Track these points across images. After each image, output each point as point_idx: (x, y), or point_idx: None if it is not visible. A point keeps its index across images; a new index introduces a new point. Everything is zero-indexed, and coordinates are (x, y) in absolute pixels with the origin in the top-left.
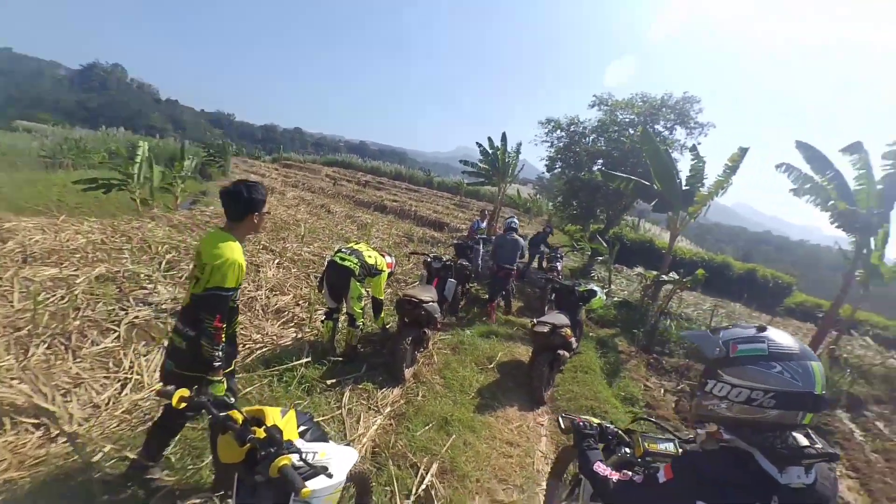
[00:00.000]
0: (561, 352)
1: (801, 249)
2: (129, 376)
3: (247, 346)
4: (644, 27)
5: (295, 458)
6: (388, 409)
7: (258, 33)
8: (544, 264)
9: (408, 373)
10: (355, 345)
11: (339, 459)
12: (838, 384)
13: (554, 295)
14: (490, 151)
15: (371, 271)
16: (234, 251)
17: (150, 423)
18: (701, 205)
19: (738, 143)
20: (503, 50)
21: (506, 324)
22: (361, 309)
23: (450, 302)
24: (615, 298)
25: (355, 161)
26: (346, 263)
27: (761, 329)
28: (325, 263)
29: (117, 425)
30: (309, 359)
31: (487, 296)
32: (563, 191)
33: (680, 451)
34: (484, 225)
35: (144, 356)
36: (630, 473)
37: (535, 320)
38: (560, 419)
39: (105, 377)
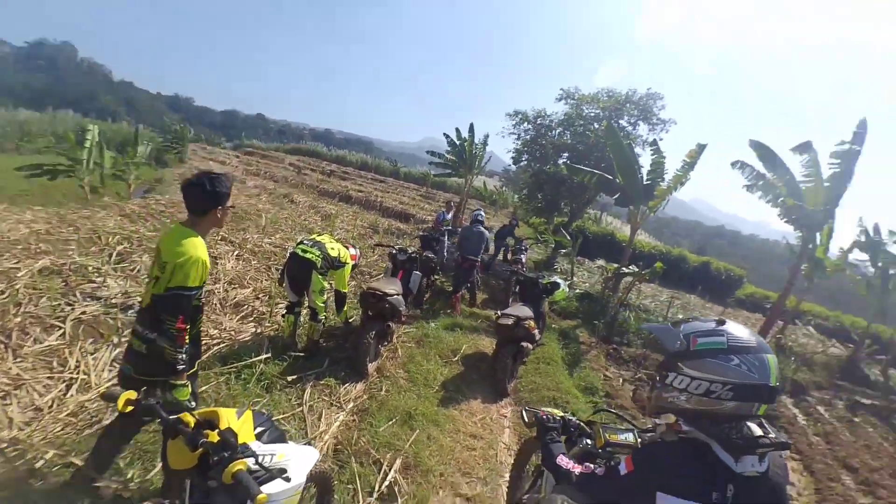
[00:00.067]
0: (524, 344)
1: (752, 244)
2: (75, 376)
3: (203, 342)
4: (619, 22)
5: (250, 462)
6: (351, 404)
7: (220, 13)
8: (509, 256)
9: (371, 367)
10: (317, 339)
11: (299, 460)
12: (783, 371)
13: (518, 287)
14: (457, 143)
15: (334, 264)
16: (196, 248)
17: (98, 428)
18: (660, 199)
19: (713, 140)
20: (473, 40)
21: (470, 316)
22: (324, 303)
23: (415, 294)
24: (577, 290)
25: (320, 150)
26: (308, 256)
27: (720, 323)
28: (287, 256)
29: (61, 429)
30: (269, 355)
31: (452, 288)
32: (529, 183)
33: (639, 440)
34: (450, 216)
35: (92, 355)
36: (592, 466)
37: (499, 313)
38: (524, 413)
39: (48, 378)
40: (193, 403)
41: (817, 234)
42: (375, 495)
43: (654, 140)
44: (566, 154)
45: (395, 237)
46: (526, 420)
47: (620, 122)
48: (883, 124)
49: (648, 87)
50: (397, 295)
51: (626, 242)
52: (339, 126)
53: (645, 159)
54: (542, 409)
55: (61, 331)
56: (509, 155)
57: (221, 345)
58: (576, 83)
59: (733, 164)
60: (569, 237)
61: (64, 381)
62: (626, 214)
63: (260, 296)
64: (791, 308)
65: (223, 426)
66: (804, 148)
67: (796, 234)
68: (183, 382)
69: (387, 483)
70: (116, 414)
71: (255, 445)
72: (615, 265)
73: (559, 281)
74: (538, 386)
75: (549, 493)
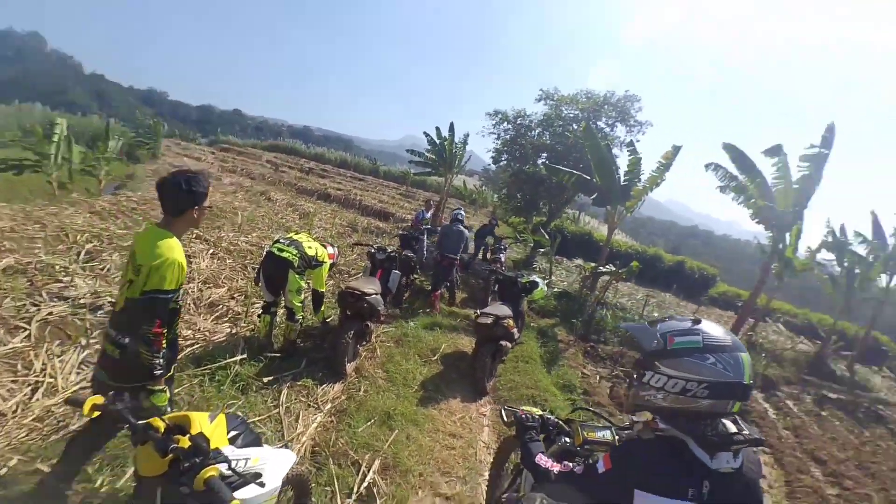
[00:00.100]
0: (503, 342)
1: (724, 243)
2: (41, 379)
3: None
4: (602, 24)
5: (223, 467)
6: (329, 405)
7: (197, 6)
8: (488, 256)
9: (349, 367)
10: (294, 339)
11: (274, 464)
12: (755, 367)
13: (497, 286)
14: (437, 142)
15: (311, 263)
16: (173, 250)
17: (66, 433)
18: (637, 199)
19: (689, 142)
20: (456, 38)
21: (450, 315)
22: (301, 302)
23: (394, 294)
24: (555, 289)
25: (298, 147)
26: (285, 255)
27: (696, 322)
28: (263, 255)
29: (26, 435)
30: (244, 356)
31: (431, 286)
32: (508, 183)
33: (616, 438)
34: (429, 215)
35: (59, 357)
36: (571, 465)
37: (478, 312)
38: (503, 412)
39: (13, 381)
40: (169, 409)
41: (787, 235)
42: (354, 497)
43: (631, 141)
44: (545, 154)
45: (374, 236)
46: (505, 419)
47: (598, 123)
48: (850, 127)
49: (626, 89)
50: (376, 294)
51: (604, 242)
52: (317, 123)
53: (622, 160)
54: (521, 407)
55: (26, 332)
56: (489, 154)
57: (195, 346)
58: (557, 84)
59: (707, 167)
60: (547, 236)
61: (29, 385)
62: (603, 214)
63: (235, 295)
64: (762, 306)
65: (194, 431)
66: (775, 151)
67: (767, 235)
68: (161, 388)
69: (365, 484)
70: (88, 419)
71: (229, 450)
72: (593, 264)
73: (538, 280)
74: (517, 384)
75: (528, 492)
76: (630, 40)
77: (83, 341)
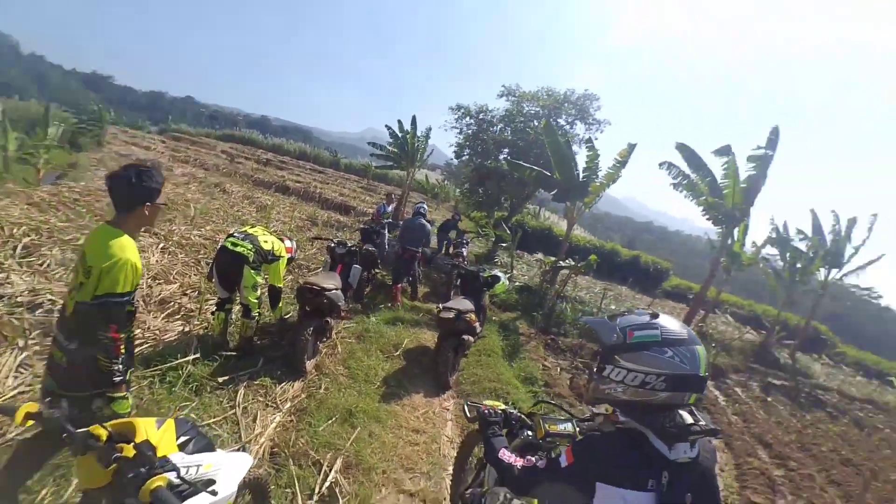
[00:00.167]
0: (466, 337)
1: (677, 239)
2: None
3: None
4: (565, 23)
5: (172, 476)
6: (288, 404)
7: None
8: (451, 250)
9: (309, 365)
10: (251, 337)
11: (229, 469)
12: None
13: (459, 281)
14: (399, 135)
15: (268, 257)
16: (125, 250)
17: (3, 444)
18: (595, 195)
19: (646, 141)
20: (420, 30)
21: (412, 310)
22: (257, 299)
23: (355, 289)
24: (517, 283)
25: (255, 137)
26: (239, 249)
27: (654, 316)
28: (217, 249)
29: None
30: (197, 355)
31: (392, 279)
32: (470, 178)
33: (578, 430)
34: (390, 209)
35: None
36: (533, 459)
37: (440, 306)
38: (465, 407)
39: None
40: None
41: (735, 231)
42: (315, 498)
43: (590, 138)
44: (507, 150)
45: (334, 230)
46: (468, 415)
47: (559, 120)
48: (792, 131)
49: (586, 87)
50: (336, 290)
51: (563, 237)
52: (275, 113)
53: (581, 157)
54: (484, 402)
55: None
56: (451, 149)
57: (144, 345)
58: (519, 80)
59: (661, 165)
60: (509, 231)
61: None
62: (562, 210)
63: (188, 292)
64: (712, 298)
65: (140, 438)
66: (724, 151)
67: (716, 231)
68: (122, 394)
69: (327, 484)
70: (34, 431)
71: (178, 457)
72: (553, 258)
73: (499, 274)
74: (480, 378)
75: (491, 487)
76: (598, 41)
77: (21, 342)
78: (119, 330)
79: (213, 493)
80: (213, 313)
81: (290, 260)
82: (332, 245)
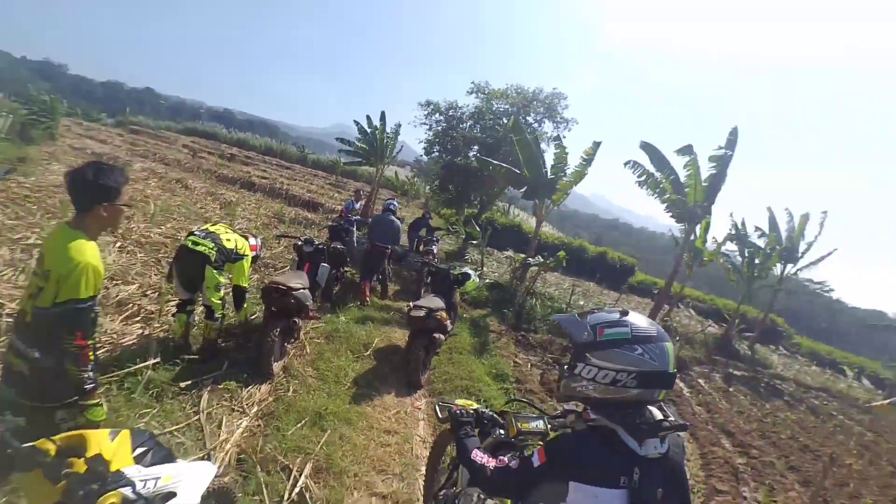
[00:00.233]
0: (437, 335)
1: (642, 235)
2: None
3: None
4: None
5: (126, 491)
6: (255, 408)
7: None
8: (421, 248)
9: (276, 367)
10: (214, 339)
11: (191, 480)
12: None
13: (430, 278)
14: (368, 130)
15: (230, 256)
16: (85, 253)
17: None
18: (563, 193)
19: (613, 140)
20: (390, 23)
21: (382, 308)
22: (220, 300)
23: (323, 288)
24: (487, 280)
25: (219, 131)
26: (200, 248)
27: (624, 314)
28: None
29: None
30: (158, 359)
31: (360, 276)
32: (440, 175)
33: (549, 427)
34: (358, 206)
35: None
36: (506, 459)
37: (411, 304)
38: (437, 408)
39: None
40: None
41: (697, 228)
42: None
43: (558, 136)
44: (476, 147)
45: (302, 227)
46: (440, 415)
47: (527, 118)
48: (750, 131)
49: (554, 86)
50: (303, 289)
51: (533, 234)
52: (240, 106)
53: (549, 155)
54: (455, 401)
55: None
56: (421, 145)
57: (101, 350)
58: (489, 77)
59: (626, 164)
60: (479, 228)
61: None
62: (531, 207)
63: (148, 292)
64: (675, 293)
65: (91, 452)
66: (686, 150)
67: (679, 228)
68: (95, 402)
69: (297, 490)
70: None
71: (134, 470)
72: (522, 255)
73: (470, 272)
74: (451, 376)
75: (465, 487)
76: (567, 43)
77: None
78: (85, 336)
79: None
80: (174, 315)
81: (254, 258)
82: (300, 243)
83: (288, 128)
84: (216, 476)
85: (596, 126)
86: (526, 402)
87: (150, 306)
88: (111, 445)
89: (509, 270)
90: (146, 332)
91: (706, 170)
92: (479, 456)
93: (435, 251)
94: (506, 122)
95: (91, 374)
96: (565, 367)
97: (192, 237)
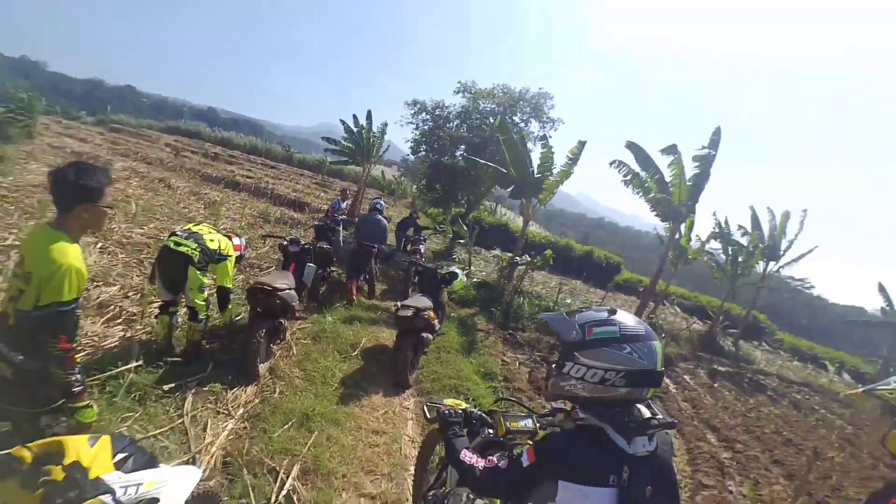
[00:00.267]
0: (424, 334)
1: (628, 234)
2: None
3: None
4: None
5: (106, 498)
6: (241, 410)
7: None
8: (408, 247)
9: (262, 368)
10: (198, 341)
11: (175, 484)
12: None
13: (417, 278)
14: (355, 130)
15: (214, 257)
16: (67, 255)
17: None
18: (549, 192)
19: (599, 140)
20: (378, 21)
21: (370, 308)
22: (204, 301)
23: (309, 288)
24: (474, 279)
25: (203, 130)
26: (183, 249)
27: (612, 312)
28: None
29: None
30: (140, 362)
31: (346, 275)
32: (427, 174)
33: (538, 425)
34: (345, 205)
35: None
36: (495, 459)
37: (398, 304)
38: (425, 408)
39: None
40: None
41: (682, 227)
42: None
43: (545, 135)
44: (463, 146)
45: (288, 227)
46: (428, 416)
47: (514, 118)
48: (733, 132)
49: (540, 86)
50: (289, 289)
51: (520, 233)
52: (224, 105)
53: (536, 154)
54: (444, 401)
55: None
56: (408, 145)
57: (82, 353)
58: (475, 77)
59: (612, 164)
60: (466, 228)
61: None
62: (518, 206)
63: (129, 294)
64: (660, 291)
65: (69, 459)
66: (671, 150)
67: (664, 226)
68: (85, 404)
69: (284, 492)
70: None
71: (115, 477)
72: (510, 254)
73: (457, 271)
74: (439, 375)
75: (454, 487)
76: (554, 43)
77: None
78: (69, 340)
79: None
80: (156, 317)
81: (239, 258)
82: (285, 243)
83: (273, 126)
84: (201, 480)
85: (586, 126)
86: (514, 401)
87: (132, 308)
88: (90, 452)
89: (497, 269)
90: (128, 335)
91: (690, 169)
92: (468, 456)
93: (422, 250)
94: (492, 121)
95: (78, 376)
96: (553, 365)
97: (174, 238)
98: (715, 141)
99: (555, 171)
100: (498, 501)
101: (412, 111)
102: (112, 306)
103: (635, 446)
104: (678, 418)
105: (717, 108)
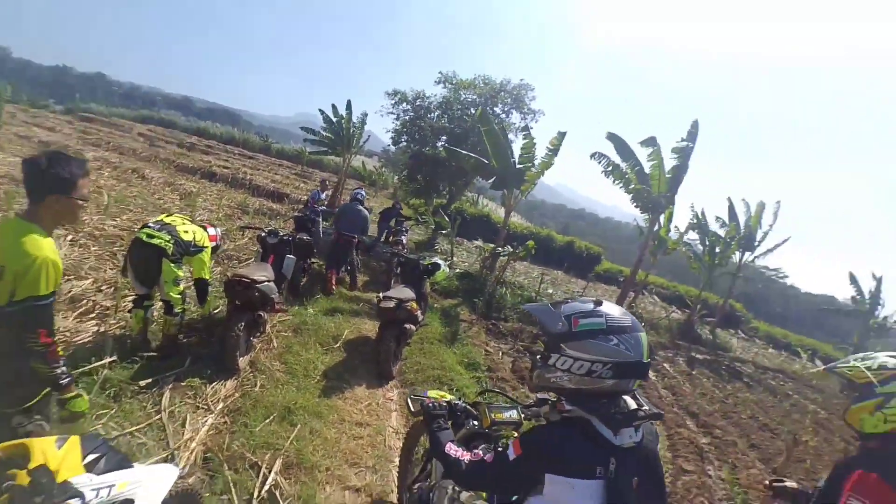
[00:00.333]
0: (407, 325)
1: (608, 225)
2: None
3: None
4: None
5: (75, 502)
6: (221, 405)
7: None
8: (390, 239)
9: (242, 362)
10: (175, 335)
11: (151, 484)
12: None
13: (399, 269)
14: (334, 120)
15: (189, 249)
16: (42, 247)
17: None
18: (531, 183)
19: (579, 130)
20: (356, 8)
21: (352, 300)
22: (180, 294)
23: (289, 280)
24: (457, 270)
25: (177, 119)
26: (156, 241)
27: (598, 303)
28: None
29: None
30: (114, 357)
31: (325, 265)
32: (409, 165)
33: (523, 416)
34: (324, 196)
35: None
36: (480, 453)
37: (380, 295)
38: (409, 401)
39: None
40: (47, 427)
41: (661, 217)
42: (255, 503)
43: (527, 126)
44: (444, 137)
45: (267, 218)
46: (412, 409)
47: (495, 109)
48: (710, 126)
49: (522, 77)
50: (268, 281)
51: (502, 224)
52: (199, 94)
53: (517, 146)
54: (428, 393)
55: None
56: (388, 135)
57: None
58: (454, 68)
59: (592, 156)
60: (448, 219)
61: None
62: (500, 197)
63: (103, 288)
64: (640, 281)
65: (35, 463)
66: (650, 142)
67: (644, 217)
68: (75, 393)
69: (267, 487)
70: None
71: (85, 479)
72: (492, 245)
73: (440, 262)
74: (423, 366)
75: (439, 480)
76: (535, 33)
77: None
78: (49, 334)
79: None
80: (130, 311)
81: (215, 249)
82: (264, 234)
83: (250, 116)
84: (180, 477)
85: (565, 119)
86: (499, 392)
87: (105, 302)
88: (58, 454)
89: (479, 260)
90: (102, 330)
91: (669, 161)
92: (453, 450)
93: (404, 241)
94: (473, 112)
95: (64, 368)
96: (538, 357)
97: (146, 230)
98: (693, 133)
99: (536, 163)
100: (484, 494)
101: (392, 101)
102: (85, 300)
103: (622, 438)
104: (659, 406)
105: (697, 103)
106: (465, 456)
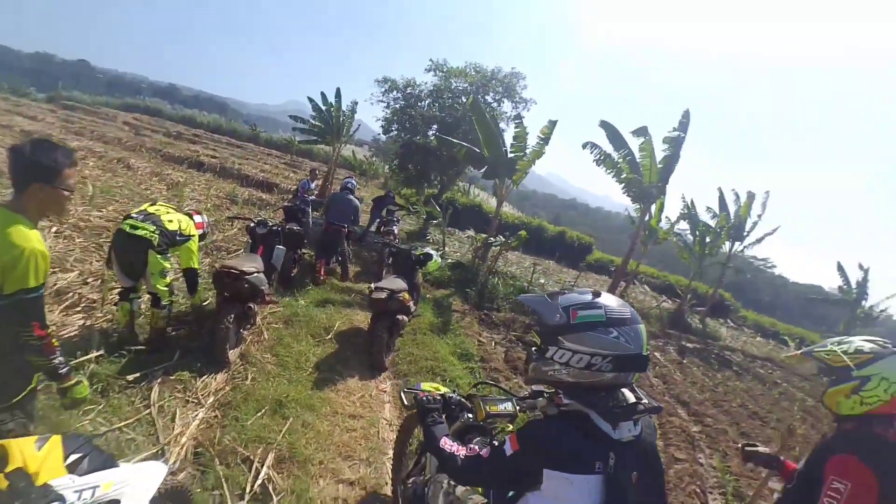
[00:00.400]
0: (400, 316)
1: (599, 215)
2: None
3: None
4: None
5: None
6: (211, 399)
7: None
8: (381, 229)
9: (232, 354)
10: (163, 328)
11: (138, 483)
12: None
13: (391, 259)
14: (323, 108)
15: (175, 239)
16: (29, 239)
17: None
18: (522, 172)
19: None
20: None
21: (343, 291)
22: (167, 286)
23: (279, 271)
24: (449, 260)
25: (163, 108)
26: (140, 232)
27: (596, 295)
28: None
29: None
30: (101, 351)
31: (314, 256)
32: (399, 154)
33: (518, 408)
34: (314, 185)
35: None
36: (476, 447)
37: (372, 286)
38: (402, 395)
39: None
40: (32, 426)
41: (652, 207)
42: (247, 497)
43: (519, 114)
44: (435, 126)
45: (256, 208)
46: (406, 403)
47: (486, 98)
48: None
49: (513, 66)
50: (257, 272)
51: (493, 214)
52: (186, 82)
53: (508, 135)
54: (422, 386)
55: None
56: (379, 124)
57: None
58: (446, 56)
59: (584, 145)
60: (439, 208)
61: None
62: (491, 187)
63: (89, 280)
64: (631, 270)
65: (13, 465)
66: (641, 132)
67: (635, 207)
68: (75, 381)
69: (259, 481)
70: None
71: (67, 481)
72: (484, 235)
73: (432, 252)
74: (416, 357)
75: (434, 473)
76: (528, 21)
77: None
78: (42, 326)
79: None
80: (116, 304)
81: (202, 237)
82: (252, 225)
83: (238, 104)
84: (170, 473)
85: (556, 108)
86: (493, 385)
87: (91, 295)
88: (37, 455)
89: (471, 250)
90: (88, 323)
91: (660, 151)
92: (448, 444)
93: (396, 232)
94: (465, 101)
95: (61, 358)
96: (534, 349)
97: (129, 220)
98: (684, 123)
99: (527, 152)
100: (480, 490)
101: (383, 89)
102: (70, 293)
103: (621, 432)
104: (651, 394)
105: (697, 103)
106: (461, 451)
